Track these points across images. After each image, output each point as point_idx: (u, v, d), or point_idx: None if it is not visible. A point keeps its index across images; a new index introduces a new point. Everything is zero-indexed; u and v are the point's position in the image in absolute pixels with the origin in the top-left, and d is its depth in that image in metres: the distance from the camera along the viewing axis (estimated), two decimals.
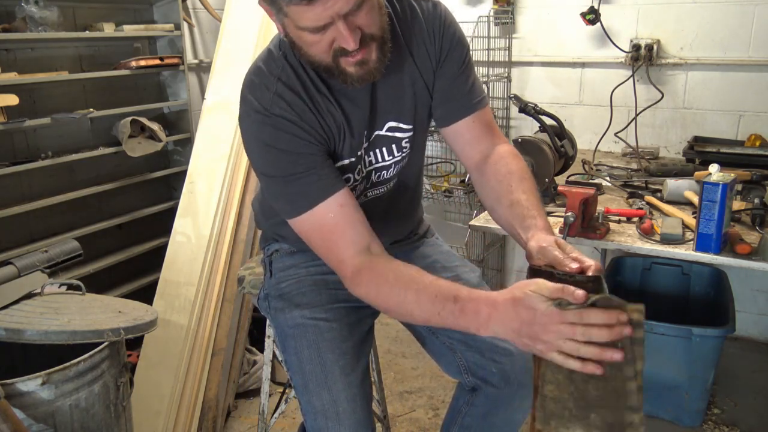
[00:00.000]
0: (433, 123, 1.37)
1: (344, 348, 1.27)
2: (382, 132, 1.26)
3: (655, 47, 2.73)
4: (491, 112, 1.34)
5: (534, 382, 0.94)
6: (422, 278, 1.07)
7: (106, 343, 1.59)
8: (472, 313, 0.99)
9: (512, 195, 1.19)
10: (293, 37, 1.07)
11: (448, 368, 1.43)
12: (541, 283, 0.93)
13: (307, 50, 1.07)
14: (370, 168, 1.28)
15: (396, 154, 1.29)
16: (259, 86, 1.15)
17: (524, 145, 2.05)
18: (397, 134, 1.27)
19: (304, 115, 1.14)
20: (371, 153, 1.26)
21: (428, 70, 1.25)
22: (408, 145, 1.30)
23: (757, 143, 2.48)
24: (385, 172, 1.31)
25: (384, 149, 1.27)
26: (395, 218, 1.42)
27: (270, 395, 1.82)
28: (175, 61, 2.72)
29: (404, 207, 1.44)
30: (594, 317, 0.87)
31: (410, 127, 1.27)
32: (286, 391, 1.81)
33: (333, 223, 1.14)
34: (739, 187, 1.98)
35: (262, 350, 1.89)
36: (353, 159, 1.23)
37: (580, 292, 0.88)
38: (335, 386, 1.23)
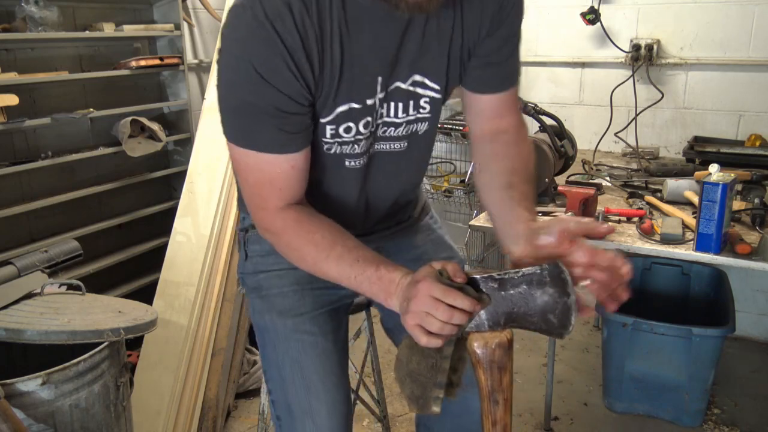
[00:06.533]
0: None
1: (329, 366, 1.21)
2: (405, 85, 1.08)
3: (655, 47, 2.73)
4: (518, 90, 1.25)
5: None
6: (347, 241, 1.04)
7: (106, 343, 1.59)
8: (388, 282, 0.97)
9: (511, 177, 1.12)
10: None
11: None
12: (446, 264, 0.93)
13: None
14: (379, 121, 1.11)
15: (411, 112, 1.12)
16: None
17: None
18: (419, 90, 1.10)
19: (306, 41, 0.95)
20: (385, 105, 1.09)
21: (475, 26, 1.09)
22: (428, 106, 1.13)
23: (757, 143, 2.49)
24: (393, 129, 1.13)
25: (400, 104, 1.10)
26: (397, 188, 1.27)
27: None
28: (175, 61, 2.72)
29: (406, 180, 1.28)
30: (459, 301, 0.88)
31: (438, 87, 1.11)
32: None
33: (275, 176, 1.04)
34: (739, 187, 1.98)
35: None
36: (358, 106, 1.05)
37: (462, 275, 0.91)
38: (319, 414, 1.19)
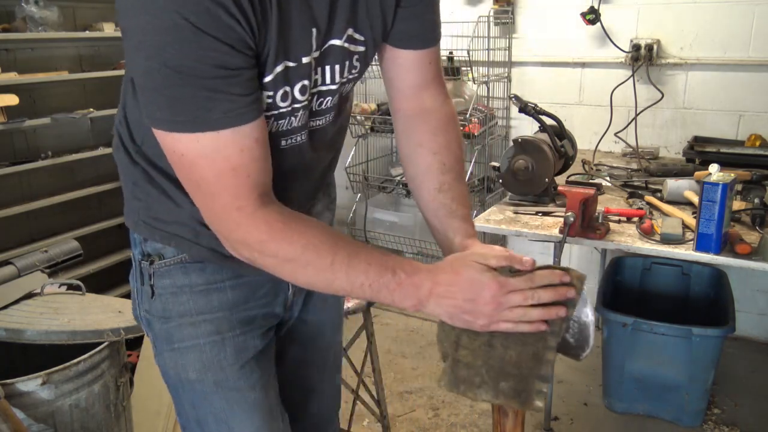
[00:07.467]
0: None
1: (258, 419, 1.07)
2: (340, 42, 0.93)
3: (655, 47, 2.73)
4: None
5: (441, 347, 0.95)
6: (347, 242, 0.89)
7: (106, 343, 1.59)
8: (412, 288, 0.88)
9: (444, 176, 1.05)
10: None
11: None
12: (485, 252, 0.90)
13: None
14: (314, 90, 0.95)
15: (345, 74, 0.97)
16: None
17: (524, 145, 2.05)
18: (351, 46, 0.95)
19: None
20: (319, 69, 0.93)
21: None
22: (358, 64, 0.99)
23: (757, 143, 2.49)
24: (330, 98, 0.99)
25: (337, 66, 0.95)
26: (324, 167, 1.12)
27: None
28: None
29: (327, 165, 1.13)
30: (540, 278, 0.88)
31: (363, 39, 0.96)
32: None
33: (239, 160, 0.82)
34: (739, 187, 1.99)
35: None
36: (293, 64, 0.87)
37: (528, 258, 0.88)
38: None
